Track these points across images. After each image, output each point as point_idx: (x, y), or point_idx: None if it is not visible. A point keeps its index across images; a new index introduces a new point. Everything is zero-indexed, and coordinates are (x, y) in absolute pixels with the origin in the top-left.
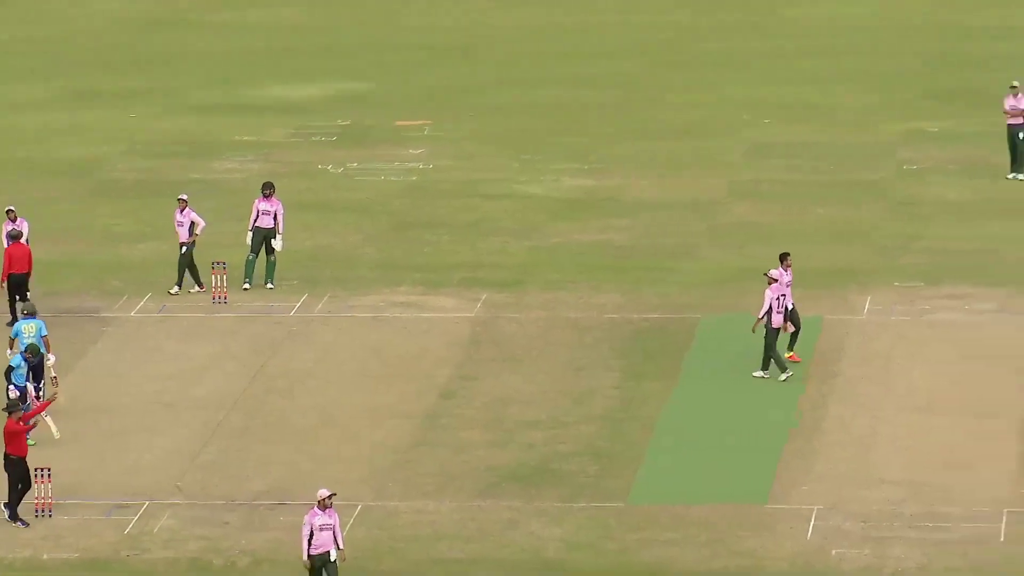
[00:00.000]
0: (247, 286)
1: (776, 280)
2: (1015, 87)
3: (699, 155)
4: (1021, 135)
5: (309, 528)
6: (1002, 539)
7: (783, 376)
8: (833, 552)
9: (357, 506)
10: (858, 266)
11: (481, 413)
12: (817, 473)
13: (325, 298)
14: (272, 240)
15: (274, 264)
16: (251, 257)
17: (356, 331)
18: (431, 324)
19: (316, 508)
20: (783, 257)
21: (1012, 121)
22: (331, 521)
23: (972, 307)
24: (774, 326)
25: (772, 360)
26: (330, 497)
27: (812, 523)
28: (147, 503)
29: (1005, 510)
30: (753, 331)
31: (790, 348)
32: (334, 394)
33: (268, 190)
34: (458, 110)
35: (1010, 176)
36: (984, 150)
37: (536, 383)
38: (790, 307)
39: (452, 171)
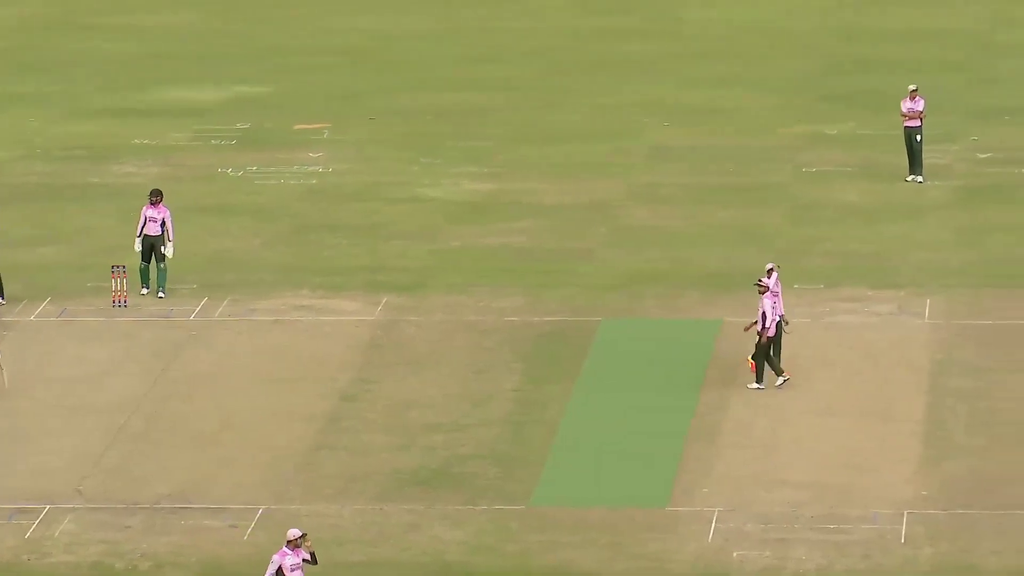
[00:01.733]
0: (144, 291)
1: (768, 288)
2: (913, 90)
3: (599, 158)
4: (919, 137)
5: (276, 567)
6: (903, 541)
7: (782, 380)
8: (735, 554)
9: (258, 510)
10: (758, 269)
11: (382, 416)
12: (718, 475)
13: (226, 301)
14: (161, 248)
15: (164, 272)
16: (143, 266)
17: (257, 334)
18: (332, 327)
19: (285, 548)
20: (770, 270)
21: (909, 123)
22: (298, 560)
23: (871, 309)
24: (769, 334)
25: (769, 365)
26: (302, 537)
27: (713, 525)
28: (48, 507)
29: (906, 512)
30: (761, 342)
31: (756, 357)
32: (235, 397)
33: (155, 197)
34: (357, 113)
35: (908, 178)
36: (883, 153)
37: (437, 386)
38: (781, 315)
39: (352, 174)
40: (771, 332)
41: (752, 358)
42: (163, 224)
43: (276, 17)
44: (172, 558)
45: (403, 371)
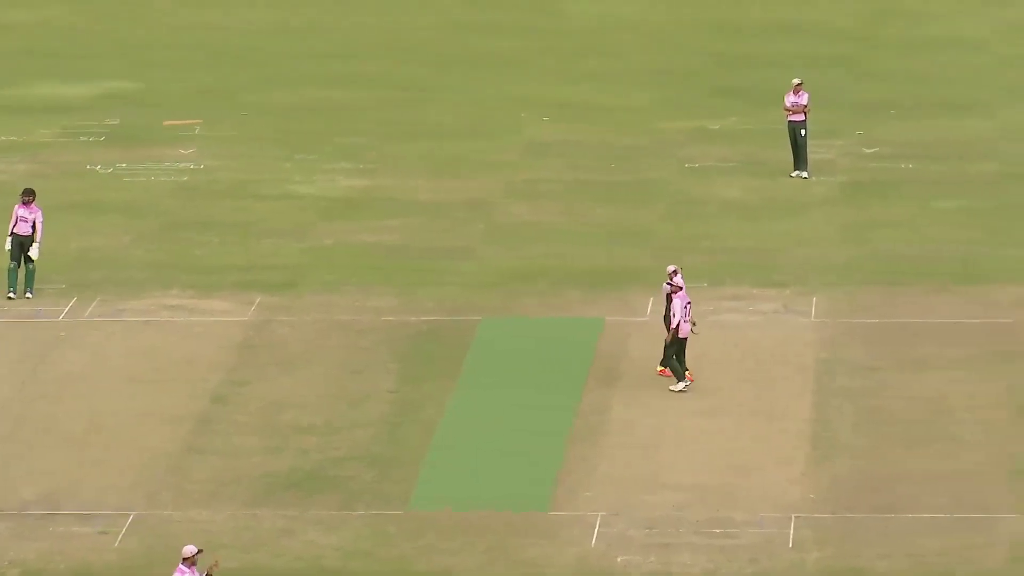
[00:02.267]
0: (12, 295)
1: (682, 288)
2: (797, 84)
3: (476, 154)
4: (803, 132)
5: None
6: (790, 545)
7: (680, 386)
8: (618, 559)
9: (129, 515)
10: (640, 266)
11: (255, 418)
12: (601, 478)
13: (95, 302)
14: (29, 248)
15: (33, 272)
16: (12, 266)
17: (127, 335)
18: (204, 328)
19: (182, 566)
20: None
21: (793, 118)
22: None
23: (756, 308)
24: (681, 335)
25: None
26: (198, 553)
27: (596, 530)
28: None
29: (793, 515)
30: (668, 342)
31: (664, 363)
32: (104, 399)
33: (28, 196)
34: (229, 109)
35: (793, 174)
36: (766, 148)
37: (311, 387)
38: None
39: (223, 171)
40: (683, 332)
41: (661, 365)
42: (34, 225)
43: (145, 13)
44: (41, 565)
45: (276, 372)
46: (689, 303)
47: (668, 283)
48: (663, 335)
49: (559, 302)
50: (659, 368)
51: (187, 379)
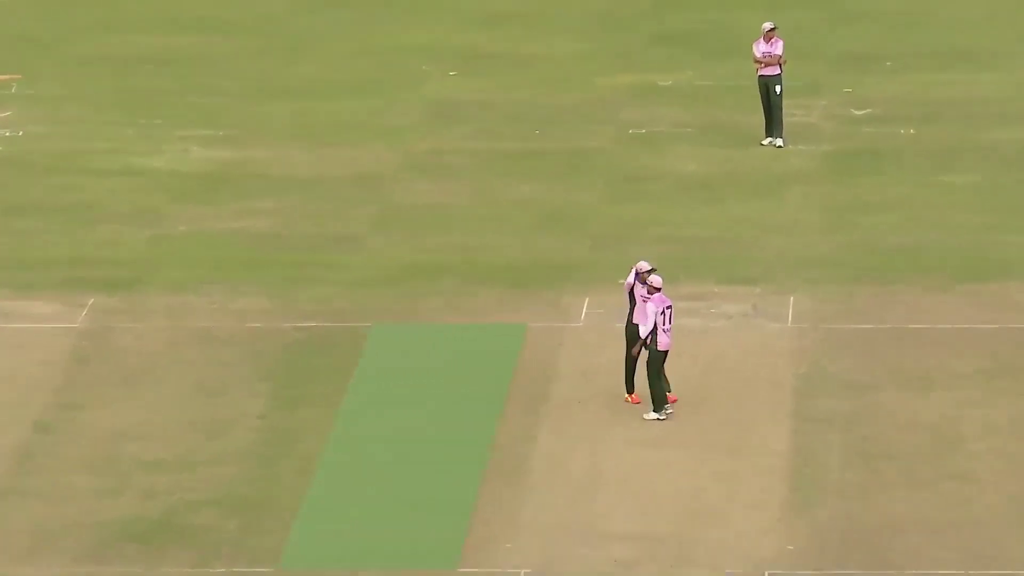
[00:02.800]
0: None
1: (659, 289)
2: (770, 29)
3: (365, 118)
4: (778, 89)
5: None
6: None
7: (655, 415)
8: None
9: None
10: (572, 259)
11: (88, 451)
12: (524, 526)
13: None
14: None
15: None
16: None
17: None
18: (23, 337)
19: None
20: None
21: (765, 72)
22: None
23: (719, 311)
24: (660, 347)
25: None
26: None
27: None
28: None
29: (767, 572)
30: (635, 355)
31: (629, 388)
32: None
33: None
34: (54, 62)
35: (764, 142)
36: (730, 109)
37: (159, 412)
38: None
39: (48, 140)
40: (663, 345)
41: (628, 390)
42: None
43: None
44: None
45: (115, 393)
46: (669, 308)
47: (642, 283)
48: (633, 348)
49: (470, 305)
50: (628, 396)
51: (3, 402)
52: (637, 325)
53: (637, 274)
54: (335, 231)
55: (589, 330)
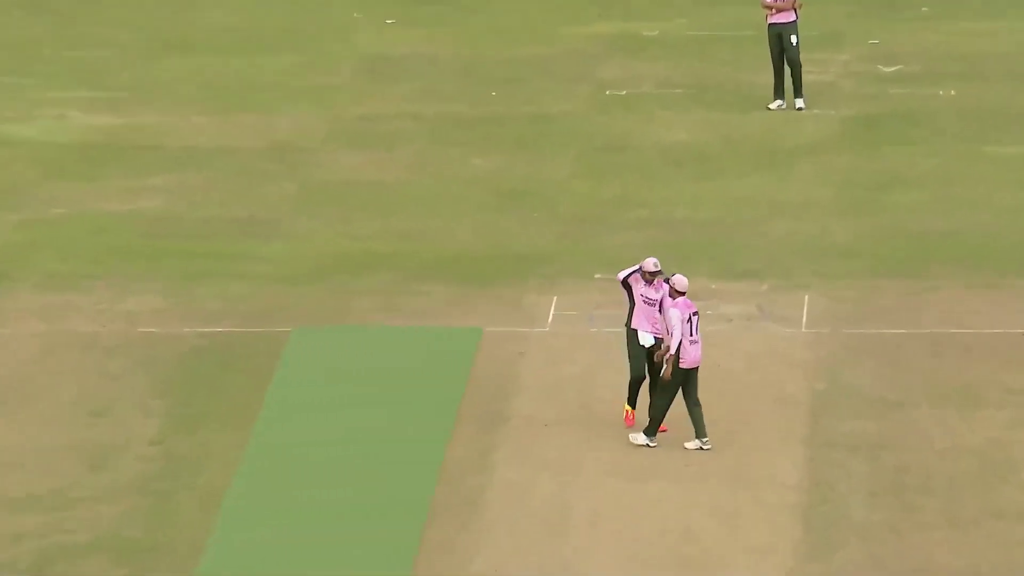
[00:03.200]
0: None
1: (683, 292)
2: None
3: (284, 76)
4: (794, 39)
5: None
6: None
7: (645, 440)
8: None
9: None
10: (537, 249)
11: None
12: (478, 573)
13: None
14: None
15: None
16: None
17: None
18: None
19: None
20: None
21: (778, 19)
22: None
23: (717, 312)
24: (684, 364)
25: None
26: None
27: None
28: None
29: None
30: (665, 378)
31: (632, 402)
32: None
33: None
34: None
35: (773, 106)
36: (731, 66)
37: (30, 436)
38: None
39: None
40: (690, 360)
41: (629, 404)
42: None
43: None
44: None
45: None
46: (695, 315)
47: (647, 283)
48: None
49: (412, 305)
50: (627, 409)
51: None
52: (636, 331)
53: (641, 272)
54: (246, 214)
55: (558, 336)
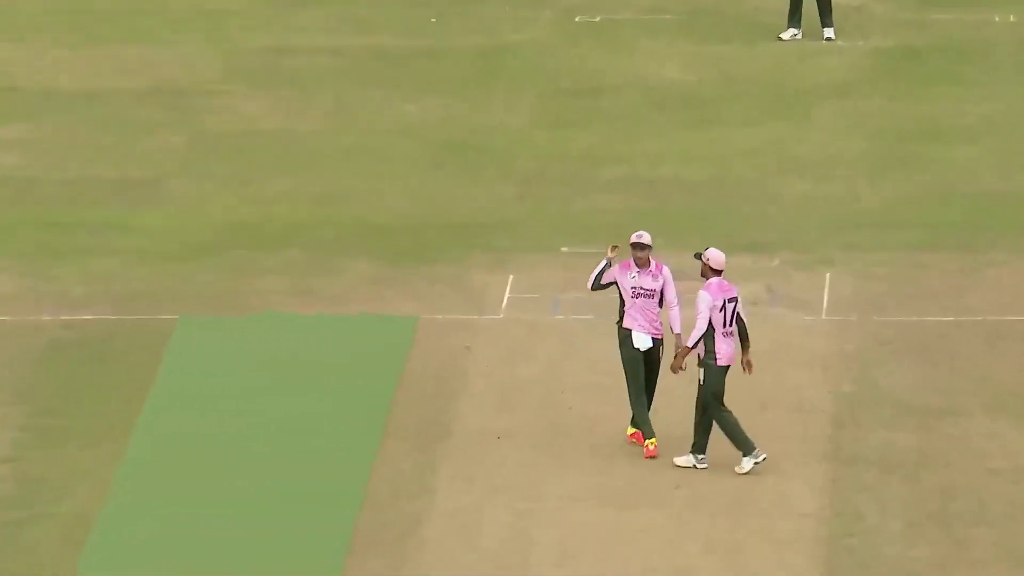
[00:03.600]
0: None
1: (719, 271)
2: None
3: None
4: None
5: None
6: None
7: (751, 462)
8: None
9: None
10: (488, 215)
11: None
12: None
13: None
14: None
15: None
16: None
17: None
18: None
19: None
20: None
21: None
22: None
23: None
24: (720, 362)
25: (700, 437)
26: None
27: None
28: None
29: None
30: (676, 370)
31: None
32: None
33: None
34: None
35: (786, 36)
36: None
37: None
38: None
39: None
40: (723, 356)
41: (633, 424)
42: None
43: None
44: None
45: None
46: (732, 301)
47: (640, 267)
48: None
49: (329, 286)
50: (630, 430)
51: None
52: (629, 331)
53: (635, 254)
54: (120, 174)
55: (514, 325)
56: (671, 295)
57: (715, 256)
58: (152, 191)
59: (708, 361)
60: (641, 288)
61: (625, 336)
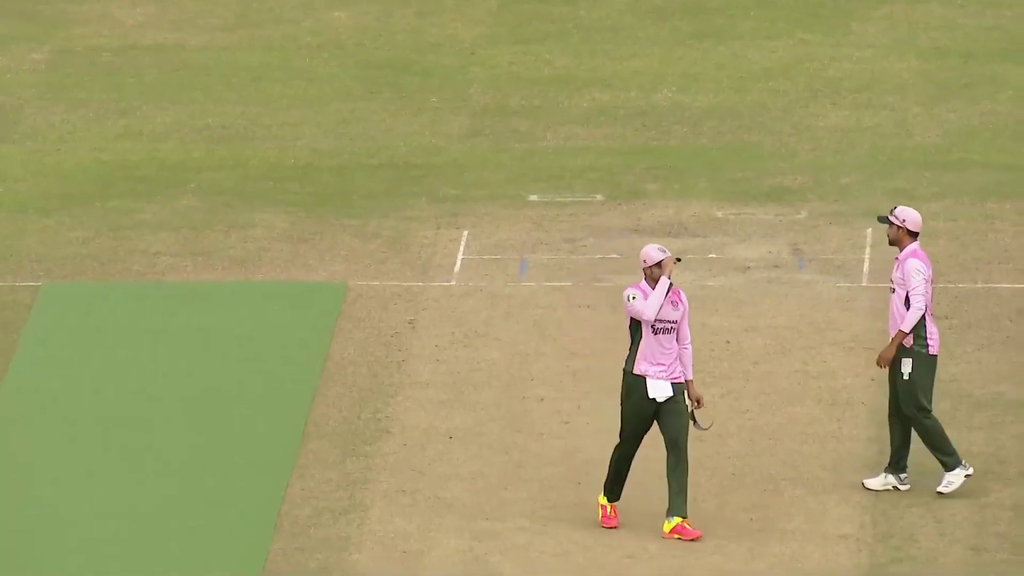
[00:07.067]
0: None
1: (916, 233)
2: None
3: None
4: None
5: None
6: None
7: (961, 475)
8: None
9: None
10: (436, 155)
11: None
12: None
13: None
14: None
15: None
16: None
17: None
18: None
19: None
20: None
21: None
22: None
23: (730, 256)
24: (932, 349)
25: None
26: None
27: None
28: None
29: None
30: (884, 364)
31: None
32: None
33: None
34: None
35: None
36: None
37: None
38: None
39: None
40: (937, 344)
41: (606, 494)
42: None
43: None
44: None
45: None
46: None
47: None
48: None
49: (235, 244)
50: (601, 501)
51: None
52: (643, 378)
53: (645, 273)
54: None
55: (469, 294)
56: (687, 329)
57: (912, 216)
58: (4, 124)
59: (919, 349)
60: (664, 320)
61: (635, 384)
